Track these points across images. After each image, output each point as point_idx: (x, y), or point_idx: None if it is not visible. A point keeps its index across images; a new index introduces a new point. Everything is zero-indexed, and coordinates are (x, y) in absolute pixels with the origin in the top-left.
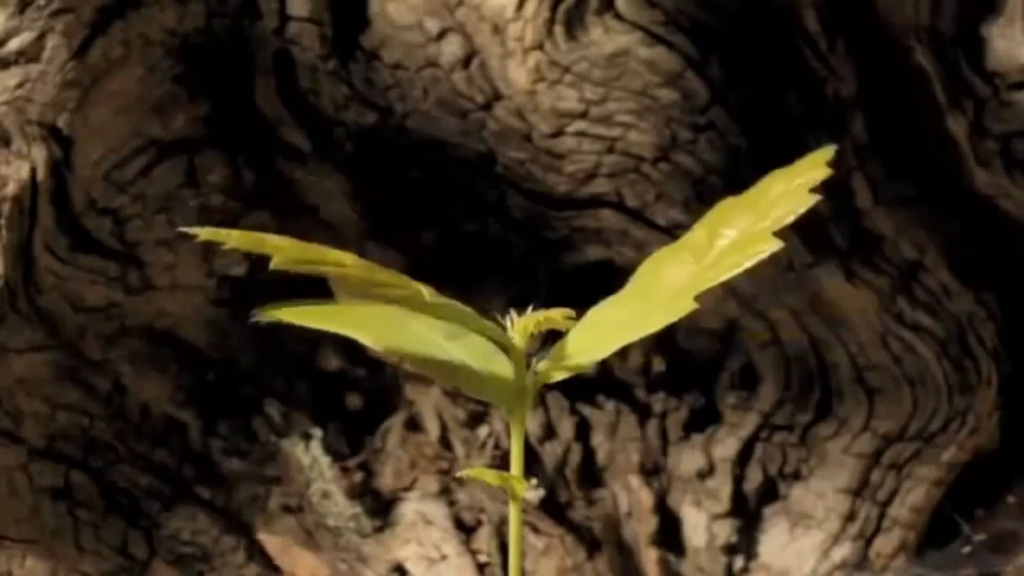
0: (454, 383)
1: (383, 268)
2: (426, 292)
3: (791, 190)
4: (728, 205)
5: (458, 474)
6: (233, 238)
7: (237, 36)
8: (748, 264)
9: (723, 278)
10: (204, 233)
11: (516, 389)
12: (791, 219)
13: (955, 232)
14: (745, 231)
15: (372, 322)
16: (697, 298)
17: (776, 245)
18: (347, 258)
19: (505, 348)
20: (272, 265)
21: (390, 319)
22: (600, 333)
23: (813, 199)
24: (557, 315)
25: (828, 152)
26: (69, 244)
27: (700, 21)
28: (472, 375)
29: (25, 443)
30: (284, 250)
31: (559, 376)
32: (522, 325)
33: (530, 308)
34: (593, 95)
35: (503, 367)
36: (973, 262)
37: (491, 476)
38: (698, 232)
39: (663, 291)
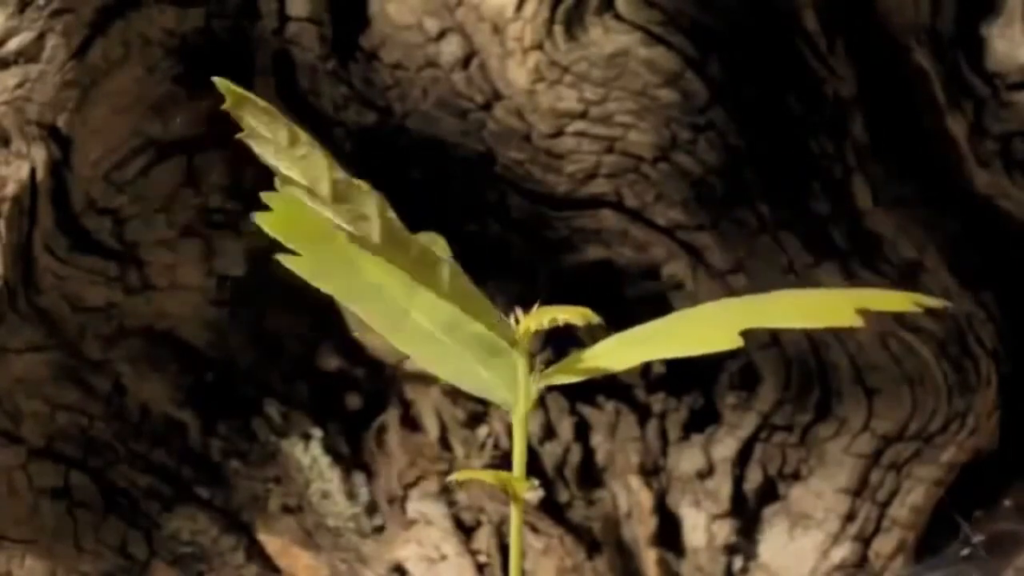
0: (454, 380)
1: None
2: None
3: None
4: None
5: (452, 477)
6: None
7: (237, 36)
8: (814, 324)
9: (781, 325)
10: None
11: (519, 389)
12: (880, 309)
13: (955, 232)
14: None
15: (377, 307)
16: (743, 333)
17: (856, 322)
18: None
19: (508, 345)
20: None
21: (391, 308)
22: (625, 346)
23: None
24: (574, 313)
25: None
26: (69, 244)
27: (700, 21)
28: (473, 372)
29: (25, 443)
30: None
31: (565, 379)
32: (527, 322)
33: (536, 306)
34: (593, 95)
35: (505, 365)
36: (973, 262)
37: (490, 477)
38: None
39: (705, 318)
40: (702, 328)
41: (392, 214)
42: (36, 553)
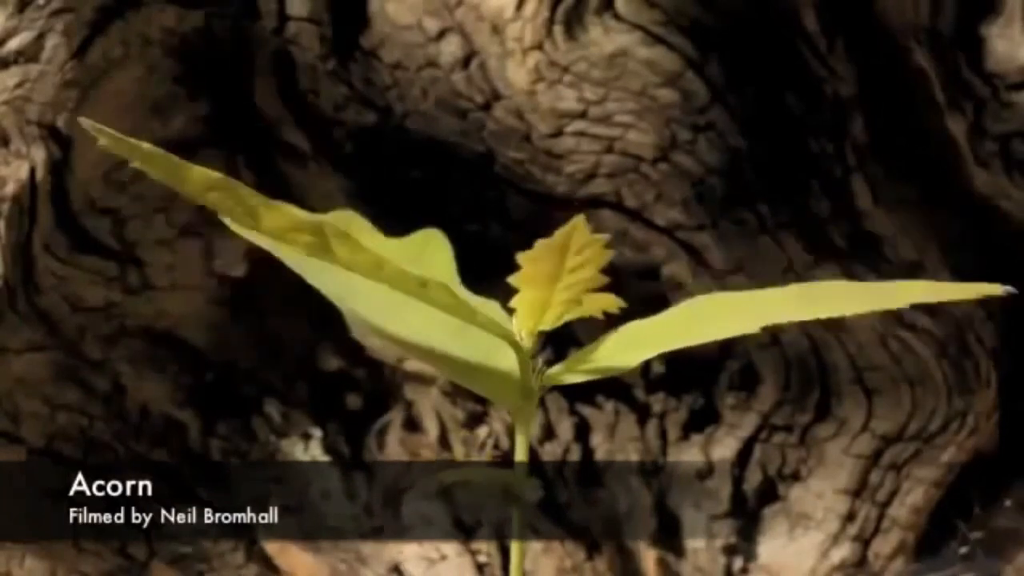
0: (455, 378)
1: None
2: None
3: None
4: None
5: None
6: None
7: (237, 36)
8: (837, 313)
9: (803, 318)
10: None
11: (522, 389)
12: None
13: (955, 233)
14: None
15: (372, 304)
16: (765, 327)
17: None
18: (218, 180)
19: (510, 345)
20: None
21: (387, 305)
22: (630, 343)
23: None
24: (596, 303)
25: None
26: (68, 244)
27: (700, 21)
28: (475, 372)
29: (25, 443)
30: (151, 158)
31: (570, 379)
32: (528, 324)
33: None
34: (592, 95)
35: (507, 365)
36: (973, 262)
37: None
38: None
39: (717, 309)
40: (710, 318)
41: None
42: (36, 553)
